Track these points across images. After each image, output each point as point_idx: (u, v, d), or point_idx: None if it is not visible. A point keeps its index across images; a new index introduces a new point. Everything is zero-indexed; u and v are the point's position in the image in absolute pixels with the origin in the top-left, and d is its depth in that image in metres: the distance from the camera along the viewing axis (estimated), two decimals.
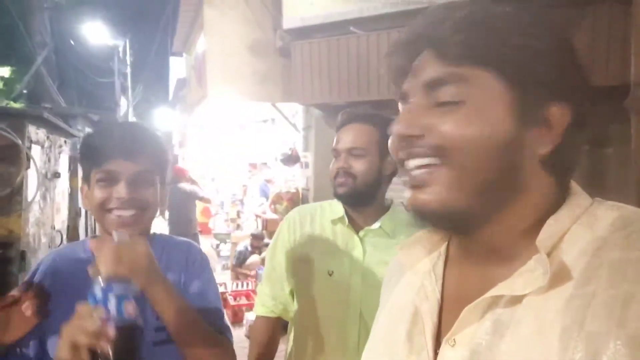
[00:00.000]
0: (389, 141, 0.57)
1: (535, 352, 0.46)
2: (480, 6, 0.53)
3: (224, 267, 7.05)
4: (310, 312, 1.33)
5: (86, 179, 1.10)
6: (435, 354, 0.56)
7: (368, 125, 1.31)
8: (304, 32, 4.30)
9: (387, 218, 1.33)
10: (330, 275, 1.31)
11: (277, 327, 1.48)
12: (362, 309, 1.25)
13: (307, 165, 4.94)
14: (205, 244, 9.77)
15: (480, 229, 0.55)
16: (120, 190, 1.05)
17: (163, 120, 18.90)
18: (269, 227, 6.54)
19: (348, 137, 1.31)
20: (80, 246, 1.18)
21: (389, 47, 0.61)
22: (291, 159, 5.45)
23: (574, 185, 0.56)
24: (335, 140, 1.34)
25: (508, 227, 0.54)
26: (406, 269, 0.67)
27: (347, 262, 1.30)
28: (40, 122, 3.32)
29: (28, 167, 3.17)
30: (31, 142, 3.22)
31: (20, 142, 3.01)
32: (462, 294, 0.57)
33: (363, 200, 1.32)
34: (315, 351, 1.32)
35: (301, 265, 1.36)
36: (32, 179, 3.24)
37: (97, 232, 1.16)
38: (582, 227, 0.51)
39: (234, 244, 6.73)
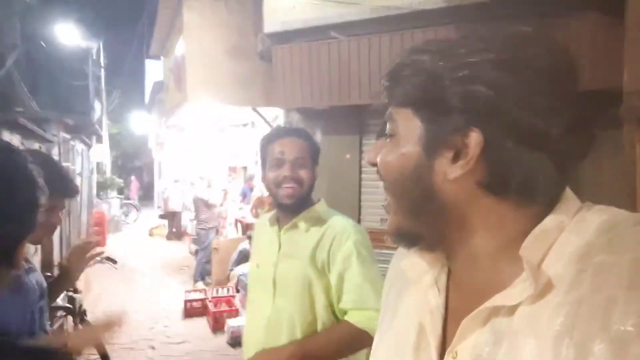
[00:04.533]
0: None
1: (529, 358, 0.49)
2: (406, 55, 0.61)
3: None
4: (249, 295, 1.65)
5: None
6: None
7: (303, 139, 1.52)
8: (285, 37, 4.34)
9: (302, 216, 1.52)
10: (258, 267, 1.61)
11: None
12: (275, 290, 1.52)
13: None
14: (184, 250, 9.69)
15: (450, 248, 0.61)
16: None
17: (139, 123, 18.68)
18: (250, 231, 6.54)
19: (293, 149, 1.48)
20: None
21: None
22: None
23: (567, 191, 0.58)
24: (275, 150, 1.49)
25: (482, 244, 0.58)
26: (410, 282, 0.69)
27: (268, 255, 1.55)
28: (14, 127, 3.26)
29: None
30: None
31: None
32: (464, 306, 0.58)
33: (303, 205, 1.52)
34: (248, 324, 1.66)
35: (252, 260, 1.69)
36: None
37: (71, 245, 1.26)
38: (569, 233, 0.53)
39: (215, 249, 6.70)
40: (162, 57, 8.32)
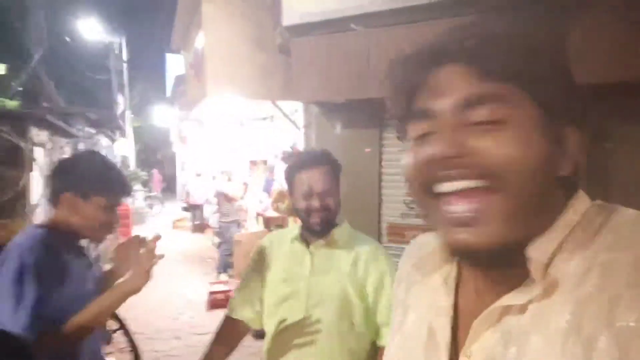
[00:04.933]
0: (415, 164, 0.55)
1: (537, 355, 0.49)
2: (513, 24, 0.53)
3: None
4: (273, 313, 1.60)
5: None
6: None
7: (326, 165, 1.58)
8: (304, 29, 4.32)
9: (335, 234, 1.60)
10: (284, 281, 1.59)
11: (240, 329, 1.70)
12: (308, 309, 1.54)
13: None
14: (207, 243, 9.83)
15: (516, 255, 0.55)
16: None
17: (161, 117, 18.94)
18: (271, 225, 6.58)
19: (319, 179, 1.55)
20: None
21: (397, 60, 0.58)
22: (292, 157, 5.49)
23: (579, 190, 0.56)
24: (303, 182, 1.55)
25: (525, 245, 0.53)
26: (418, 283, 0.68)
27: (299, 271, 1.58)
28: (42, 123, 3.34)
29: (31, 169, 3.19)
30: (33, 144, 3.24)
31: (23, 144, 3.04)
32: (474, 306, 0.58)
33: (331, 227, 1.59)
34: (279, 341, 1.59)
35: (269, 276, 1.64)
36: (35, 181, 3.26)
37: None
38: (578, 231, 0.52)
39: (237, 242, 6.77)
40: (182, 51, 8.38)
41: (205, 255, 8.70)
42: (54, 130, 3.72)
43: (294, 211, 1.63)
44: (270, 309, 1.62)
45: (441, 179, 0.52)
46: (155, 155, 25.12)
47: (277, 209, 5.96)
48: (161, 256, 1.52)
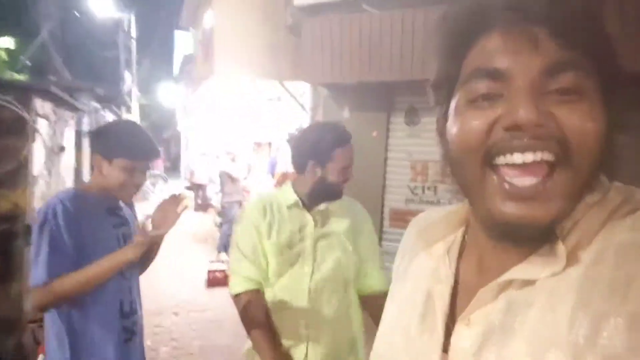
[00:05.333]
0: (476, 129, 0.50)
1: (546, 331, 0.48)
2: None
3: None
4: (279, 277, 1.70)
5: None
6: (449, 334, 0.58)
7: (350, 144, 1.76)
8: (315, 9, 4.25)
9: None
10: (289, 247, 1.70)
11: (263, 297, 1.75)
12: (314, 270, 1.69)
13: None
14: (209, 222, 9.86)
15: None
16: None
17: (167, 95, 18.89)
18: None
19: (351, 155, 1.72)
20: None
21: (456, 11, 0.54)
22: None
23: None
24: (339, 156, 1.69)
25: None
26: (421, 251, 0.69)
27: (302, 234, 1.71)
28: (47, 95, 3.31)
29: (34, 140, 3.17)
30: (37, 115, 3.22)
31: (26, 115, 3.01)
32: (478, 277, 0.58)
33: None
34: (280, 297, 1.71)
35: (267, 242, 1.72)
36: (38, 153, 3.24)
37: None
38: (596, 211, 0.51)
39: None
40: (191, 29, 8.31)
41: (207, 234, 8.73)
42: (59, 103, 3.69)
43: (313, 180, 1.72)
44: (276, 273, 1.70)
45: (514, 148, 0.48)
46: (161, 134, 25.12)
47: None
48: (185, 207, 1.77)
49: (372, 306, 1.71)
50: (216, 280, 5.69)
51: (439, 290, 0.61)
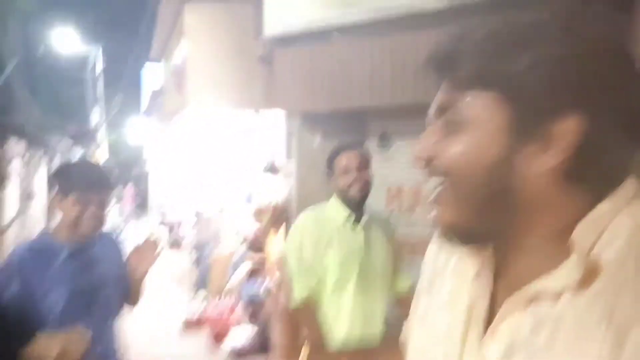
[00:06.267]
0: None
1: (571, 347, 0.49)
2: (481, 28, 0.57)
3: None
4: (337, 286, 1.98)
5: None
6: None
7: (360, 149, 2.10)
8: (286, 40, 4.46)
9: (368, 214, 2.09)
10: (348, 259, 1.97)
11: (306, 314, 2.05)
12: (360, 279, 1.97)
13: (290, 174, 5.08)
14: (184, 260, 9.76)
15: (506, 242, 0.59)
16: None
17: (136, 131, 18.83)
18: (250, 243, 6.60)
19: (356, 158, 2.00)
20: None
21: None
22: (275, 168, 5.59)
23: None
24: (340, 161, 2.00)
25: (542, 234, 0.56)
26: (458, 257, 0.69)
27: (354, 248, 2.00)
28: (20, 133, 3.36)
29: (5, 186, 3.17)
30: (9, 155, 3.25)
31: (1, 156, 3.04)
32: (506, 294, 0.58)
33: (365, 200, 2.04)
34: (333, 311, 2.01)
35: (328, 256, 1.98)
36: (11, 196, 3.24)
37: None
38: (623, 217, 0.52)
39: (214, 260, 6.77)
40: (162, 59, 8.48)
41: (182, 272, 8.65)
42: (32, 142, 3.74)
43: (337, 193, 2.00)
44: (332, 282, 1.97)
45: (425, 174, 0.62)
46: (130, 171, 24.89)
47: (259, 222, 6.01)
48: (159, 251, 1.89)
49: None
50: (194, 321, 5.65)
51: (478, 300, 0.62)
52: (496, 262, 0.63)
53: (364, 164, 2.02)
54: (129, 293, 1.93)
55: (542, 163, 0.52)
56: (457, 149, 0.56)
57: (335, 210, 2.06)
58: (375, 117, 4.46)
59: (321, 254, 1.99)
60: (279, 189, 5.64)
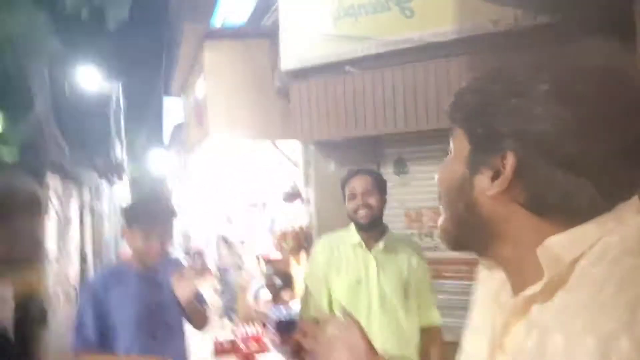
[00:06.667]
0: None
1: (557, 351, 0.54)
2: (470, 80, 0.69)
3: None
4: (350, 306, 1.97)
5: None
6: None
7: (367, 175, 2.12)
8: (301, 73, 4.69)
9: (386, 239, 2.11)
10: (358, 283, 2.01)
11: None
12: (379, 303, 1.98)
13: (308, 201, 5.25)
14: (208, 288, 9.91)
15: (493, 255, 0.69)
16: None
17: (158, 164, 19.30)
18: (275, 267, 6.75)
19: (361, 183, 2.05)
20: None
21: None
22: (293, 196, 5.76)
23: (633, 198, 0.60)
24: (349, 187, 2.06)
25: (512, 255, 0.65)
26: (487, 276, 0.77)
27: (366, 272, 2.02)
28: (57, 170, 3.62)
29: (47, 216, 3.41)
30: (48, 190, 3.51)
31: (41, 192, 3.28)
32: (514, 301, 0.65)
33: (377, 225, 2.08)
34: None
35: (339, 281, 2.04)
36: (51, 230, 3.47)
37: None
38: (612, 236, 0.56)
39: (240, 287, 6.91)
40: (182, 94, 8.83)
41: (208, 301, 8.77)
42: (65, 177, 4.00)
43: (348, 216, 2.05)
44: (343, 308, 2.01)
45: None
46: (152, 202, 25.32)
47: (281, 249, 6.17)
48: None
49: (424, 338, 2.07)
50: (223, 349, 5.74)
51: (498, 313, 0.67)
52: (511, 282, 0.69)
53: (370, 189, 2.05)
54: (189, 317, 2.14)
55: (490, 189, 0.64)
56: (442, 171, 0.73)
57: (348, 235, 2.13)
58: (390, 143, 4.62)
59: (331, 278, 2.05)
60: (299, 216, 5.81)
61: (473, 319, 0.78)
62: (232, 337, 5.82)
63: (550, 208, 0.60)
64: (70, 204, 4.24)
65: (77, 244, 4.49)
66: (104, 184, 7.18)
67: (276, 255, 6.54)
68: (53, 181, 3.65)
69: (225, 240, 7.60)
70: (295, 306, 5.15)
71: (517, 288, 0.65)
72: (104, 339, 1.92)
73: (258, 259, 7.98)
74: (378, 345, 1.86)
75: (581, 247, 0.57)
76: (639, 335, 0.48)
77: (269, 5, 5.50)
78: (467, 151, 0.67)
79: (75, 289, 4.46)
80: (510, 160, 0.61)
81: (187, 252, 12.51)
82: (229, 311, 7.16)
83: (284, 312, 5.32)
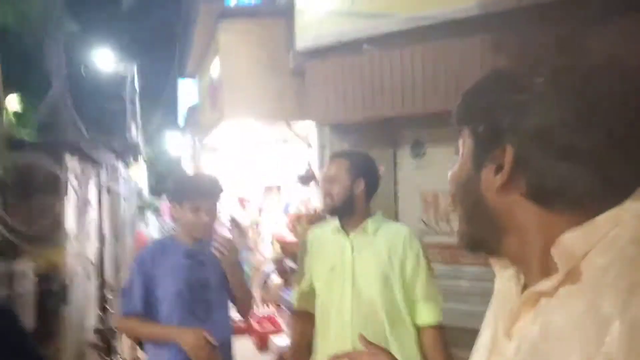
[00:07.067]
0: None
1: (558, 335, 0.56)
2: (477, 79, 0.72)
3: None
4: (322, 297, 1.96)
5: None
6: None
7: (340, 158, 1.95)
8: (317, 53, 4.63)
9: (369, 223, 1.95)
10: (332, 270, 1.92)
11: (307, 319, 2.05)
12: (352, 291, 1.85)
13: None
14: None
15: (504, 251, 0.70)
16: None
17: (173, 145, 19.42)
18: (287, 250, 6.79)
19: (328, 170, 1.95)
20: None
21: None
22: (308, 178, 5.76)
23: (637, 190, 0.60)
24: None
25: (520, 246, 0.67)
26: (498, 271, 0.78)
27: (342, 257, 1.92)
28: (75, 151, 3.67)
29: (67, 197, 3.48)
30: (67, 171, 3.55)
31: (59, 172, 3.34)
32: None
33: (343, 213, 1.95)
34: (325, 326, 1.93)
35: (317, 267, 2.00)
36: (70, 209, 3.54)
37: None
38: (621, 228, 0.58)
39: (255, 269, 6.98)
40: (197, 76, 8.84)
41: None
42: (83, 158, 4.06)
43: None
44: (319, 293, 1.96)
45: None
46: (167, 183, 25.58)
47: (294, 231, 6.20)
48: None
49: (420, 341, 1.79)
50: (238, 329, 5.83)
51: (507, 307, 0.70)
52: (522, 275, 0.72)
53: (336, 175, 1.90)
54: (234, 299, 2.19)
55: (494, 182, 0.67)
56: (452, 170, 0.76)
57: (333, 220, 2.03)
58: (407, 125, 4.55)
59: (313, 265, 2.02)
60: (313, 199, 5.81)
61: (487, 317, 0.80)
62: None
63: (550, 197, 0.63)
64: (89, 185, 4.29)
65: (96, 223, 4.57)
66: (120, 165, 7.27)
67: (291, 237, 6.56)
68: (71, 162, 3.70)
69: (236, 223, 7.64)
70: None
71: (527, 280, 0.69)
72: (150, 308, 1.99)
73: (272, 241, 8.03)
74: (348, 333, 1.72)
75: (593, 240, 0.59)
76: (630, 319, 0.49)
77: None
78: (472, 149, 0.71)
79: (94, 266, 4.56)
80: (509, 153, 0.64)
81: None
82: None
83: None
